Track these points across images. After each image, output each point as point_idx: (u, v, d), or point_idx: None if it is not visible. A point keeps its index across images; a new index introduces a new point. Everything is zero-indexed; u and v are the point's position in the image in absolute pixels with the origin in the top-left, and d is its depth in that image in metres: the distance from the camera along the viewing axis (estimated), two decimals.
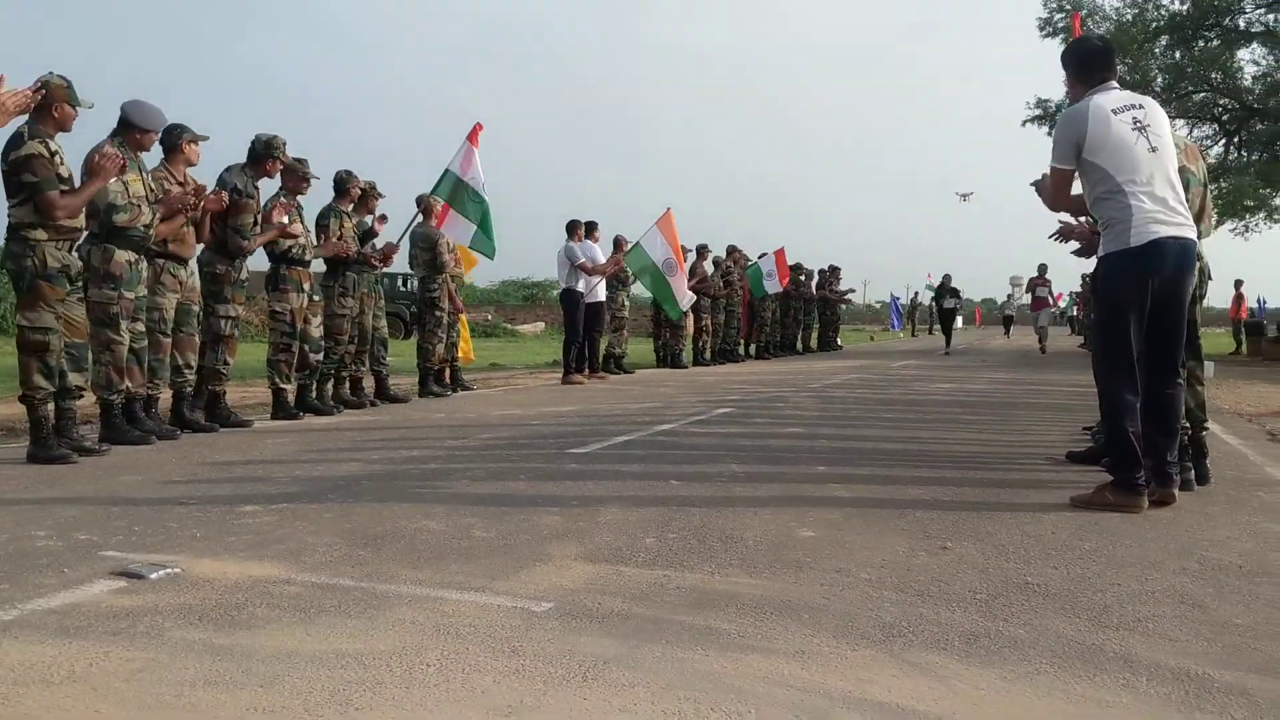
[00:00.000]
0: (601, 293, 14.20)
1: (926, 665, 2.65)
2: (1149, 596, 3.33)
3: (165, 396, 7.35)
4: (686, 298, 14.89)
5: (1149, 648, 2.81)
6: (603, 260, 14.04)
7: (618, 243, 14.89)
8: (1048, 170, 5.24)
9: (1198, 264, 5.39)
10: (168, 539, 3.99)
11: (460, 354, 12.08)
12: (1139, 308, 4.69)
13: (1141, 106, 4.82)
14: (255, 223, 7.77)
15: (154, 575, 3.42)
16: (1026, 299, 25.43)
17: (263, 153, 7.86)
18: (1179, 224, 4.71)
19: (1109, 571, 3.64)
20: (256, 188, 7.85)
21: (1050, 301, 24.43)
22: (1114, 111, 4.73)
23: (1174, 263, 4.67)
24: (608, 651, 2.71)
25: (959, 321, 57.79)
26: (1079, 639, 2.87)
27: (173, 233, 7.02)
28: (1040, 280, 24.24)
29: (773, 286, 20.24)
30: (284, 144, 7.93)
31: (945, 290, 26.48)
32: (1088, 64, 4.98)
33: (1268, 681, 2.56)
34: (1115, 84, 4.93)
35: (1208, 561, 3.80)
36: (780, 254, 20.33)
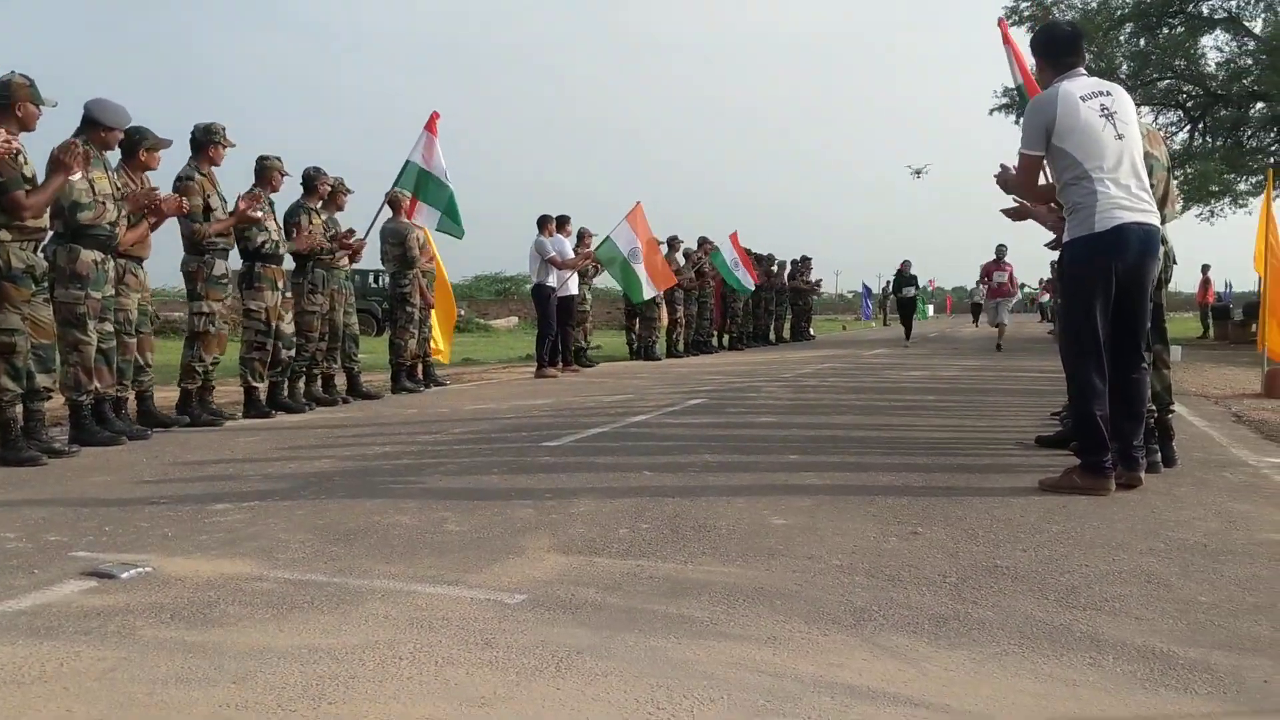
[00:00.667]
0: (574, 286, 14.18)
1: (897, 648, 2.68)
2: (1116, 577, 3.37)
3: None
4: (649, 286, 14.83)
5: (1115, 627, 2.85)
6: (571, 254, 14.04)
7: (581, 235, 14.83)
8: (1007, 164, 5.29)
9: (1161, 249, 5.46)
10: (138, 538, 3.97)
11: (434, 351, 12.10)
12: (1104, 292, 4.74)
13: (1109, 93, 4.87)
14: (207, 208, 7.68)
15: (125, 575, 3.41)
16: (982, 289, 22.73)
17: (202, 139, 7.75)
18: (1143, 210, 4.77)
19: (1076, 553, 3.69)
20: (203, 174, 7.73)
21: (1011, 289, 20.68)
22: (1082, 98, 4.78)
23: (1137, 248, 4.73)
24: (581, 641, 2.73)
25: (930, 310, 58.35)
26: (1047, 619, 2.91)
27: (139, 239, 6.99)
28: (997, 265, 20.36)
29: (746, 281, 20.17)
30: (223, 129, 7.81)
31: (904, 278, 24.53)
32: (1056, 49, 5.02)
33: (1230, 657, 2.61)
34: (1083, 70, 4.98)
35: (1174, 541, 3.86)
36: (734, 238, 20.04)
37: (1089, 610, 3.00)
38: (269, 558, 3.65)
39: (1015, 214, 5.82)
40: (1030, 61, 7.74)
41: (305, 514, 4.40)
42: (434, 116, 11.01)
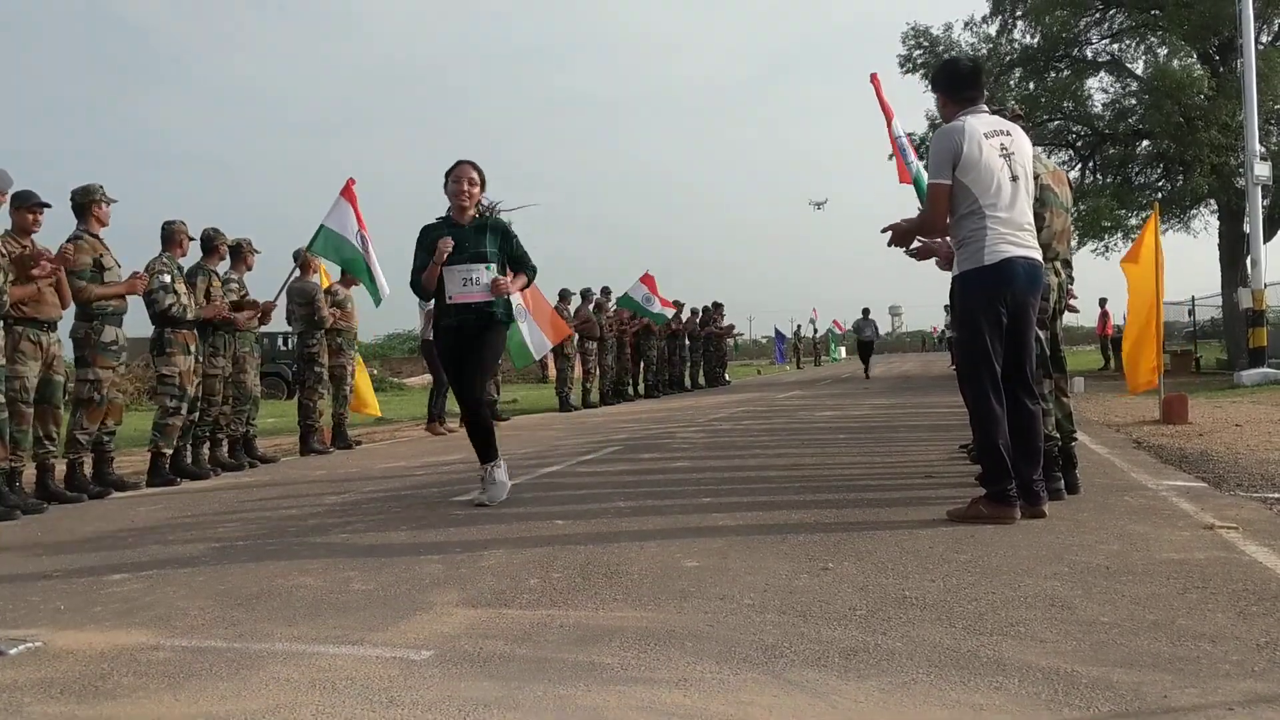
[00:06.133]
0: None
1: (806, 683, 2.67)
2: (1021, 601, 3.41)
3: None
4: (538, 347, 14.18)
5: (1020, 650, 2.88)
6: None
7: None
8: (898, 222, 5.40)
9: (1056, 280, 5.62)
10: (29, 613, 3.82)
11: (363, 408, 12.08)
12: (996, 322, 4.86)
13: (1009, 134, 5.01)
14: (100, 267, 7.49)
15: (13, 651, 3.27)
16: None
17: (82, 201, 7.57)
18: (1029, 247, 4.92)
19: (983, 580, 3.73)
20: (93, 234, 7.56)
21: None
22: (986, 135, 4.91)
23: (1024, 281, 4.87)
24: (488, 695, 2.67)
25: (842, 352, 59.34)
26: (954, 646, 2.93)
27: (26, 296, 6.76)
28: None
29: (656, 309, 19.80)
30: (101, 188, 7.63)
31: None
32: (958, 83, 5.14)
33: (1131, 674, 2.64)
34: (985, 106, 5.12)
35: (1076, 565, 3.92)
36: (648, 278, 19.90)
37: (995, 635, 3.03)
38: (166, 626, 3.53)
39: (920, 253, 5.94)
40: (898, 124, 7.98)
41: (205, 580, 4.27)
42: (350, 183, 10.96)
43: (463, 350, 6.04)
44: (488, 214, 6.12)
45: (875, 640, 3.03)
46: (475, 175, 6.05)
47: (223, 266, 9.27)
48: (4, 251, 6.51)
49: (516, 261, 6.15)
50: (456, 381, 6.16)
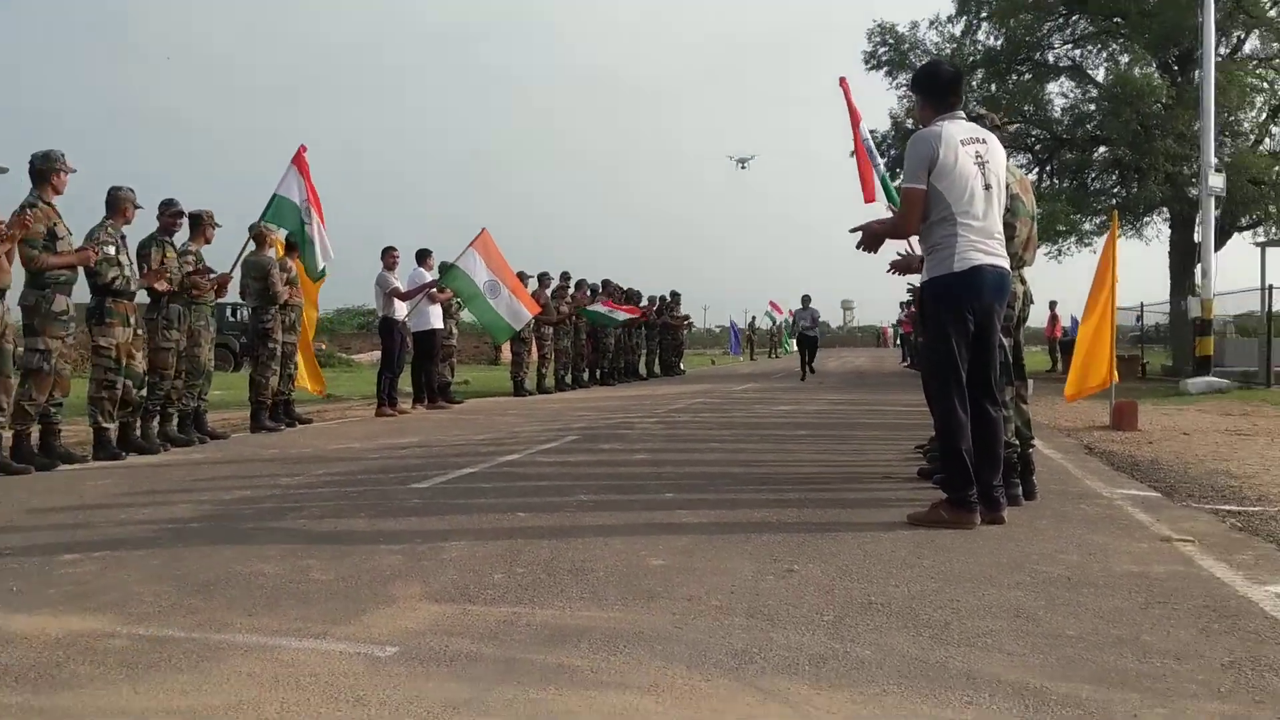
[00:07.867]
0: (436, 320, 13.79)
1: (778, 691, 2.66)
2: (986, 611, 3.43)
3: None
4: (520, 317, 14.07)
5: (989, 662, 2.89)
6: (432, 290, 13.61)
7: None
8: (866, 223, 5.39)
9: (1021, 289, 5.66)
10: None
11: (309, 386, 11.92)
12: (964, 329, 4.88)
13: (984, 141, 5.03)
14: (53, 236, 7.32)
15: None
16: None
17: (42, 166, 7.39)
18: (998, 255, 4.95)
19: (947, 588, 3.74)
20: (47, 202, 7.39)
21: None
22: (962, 142, 4.92)
23: (991, 288, 4.91)
24: (456, 696, 2.64)
25: (793, 344, 59.50)
26: (923, 657, 2.93)
27: None
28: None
29: (621, 316, 20.11)
30: (62, 155, 7.46)
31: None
32: (939, 89, 5.15)
33: (1100, 691, 2.66)
34: (962, 113, 5.13)
35: (1038, 575, 3.95)
36: (608, 302, 20.27)
37: (963, 646, 3.04)
38: (122, 612, 3.45)
39: (898, 267, 5.94)
40: (864, 128, 8.00)
41: (161, 563, 4.19)
42: (301, 149, 10.79)
43: None
44: None
45: (844, 648, 3.02)
46: None
47: (179, 237, 9.08)
48: None
49: None
50: None
